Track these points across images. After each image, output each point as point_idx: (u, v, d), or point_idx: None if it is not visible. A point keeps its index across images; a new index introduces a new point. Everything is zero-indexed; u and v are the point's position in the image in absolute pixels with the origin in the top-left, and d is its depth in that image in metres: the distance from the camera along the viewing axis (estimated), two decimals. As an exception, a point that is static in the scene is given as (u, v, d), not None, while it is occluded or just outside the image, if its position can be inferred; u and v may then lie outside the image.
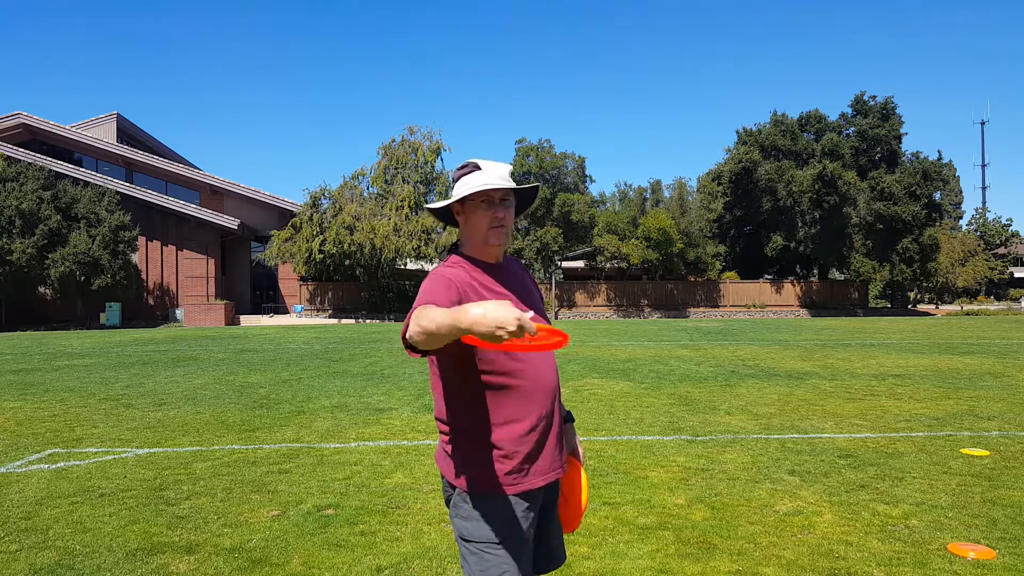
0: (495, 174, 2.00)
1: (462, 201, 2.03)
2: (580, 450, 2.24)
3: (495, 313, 1.49)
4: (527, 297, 2.08)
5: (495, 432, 1.93)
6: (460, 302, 1.83)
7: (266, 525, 4.28)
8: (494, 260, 2.07)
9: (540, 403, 1.97)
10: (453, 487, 2.00)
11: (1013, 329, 25.08)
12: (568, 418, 2.22)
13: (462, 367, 1.95)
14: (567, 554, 2.52)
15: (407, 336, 1.70)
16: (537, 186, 2.17)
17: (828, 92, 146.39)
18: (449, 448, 2.00)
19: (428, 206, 2.19)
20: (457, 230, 2.12)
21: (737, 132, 45.34)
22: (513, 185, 2.02)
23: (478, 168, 2.01)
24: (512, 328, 1.48)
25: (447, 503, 2.05)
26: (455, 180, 2.06)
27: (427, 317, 1.62)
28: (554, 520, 2.13)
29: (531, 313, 1.59)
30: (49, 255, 31.49)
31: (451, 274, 1.96)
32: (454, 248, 2.11)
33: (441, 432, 2.05)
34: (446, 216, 2.11)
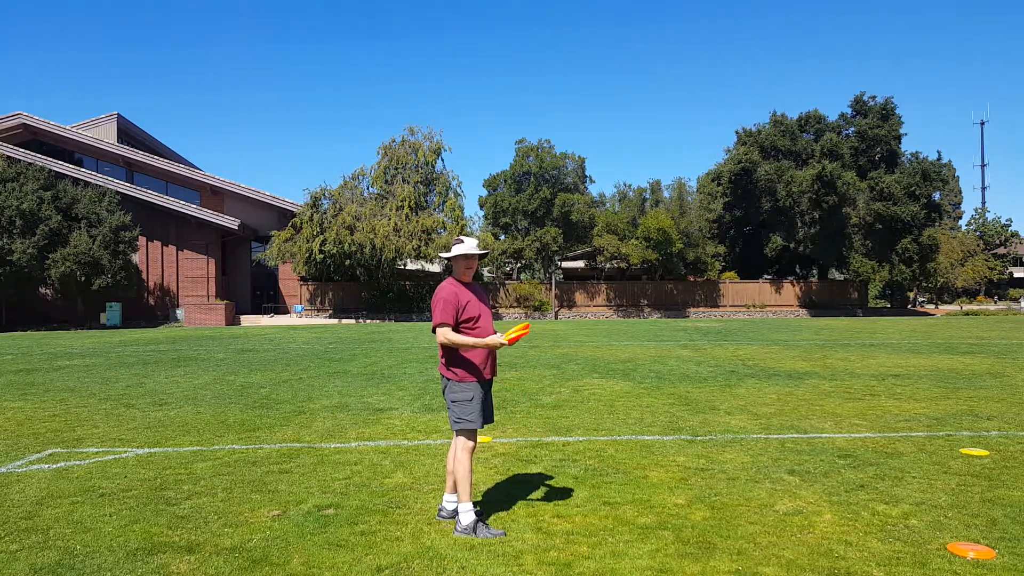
0: (471, 244, 4.35)
1: (456, 256, 4.33)
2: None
3: (497, 341, 4.17)
4: (483, 300, 4.38)
5: (473, 356, 4.24)
6: (456, 309, 4.19)
7: (266, 525, 4.29)
8: (467, 281, 4.35)
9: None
10: (448, 379, 4.25)
11: (1013, 329, 25.09)
12: None
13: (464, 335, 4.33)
14: (569, 553, 3.83)
15: (440, 341, 4.21)
16: (487, 252, 4.67)
17: (828, 92, 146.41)
18: (452, 363, 4.24)
19: (442, 255, 4.80)
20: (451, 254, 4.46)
21: (737, 132, 45.44)
22: (479, 252, 4.39)
23: (463, 241, 4.32)
24: (504, 343, 4.17)
25: (443, 390, 4.32)
26: (453, 244, 4.31)
27: (457, 340, 4.14)
28: (491, 398, 4.42)
29: (499, 336, 4.23)
30: (49, 255, 31.49)
31: (452, 291, 4.21)
32: (448, 272, 4.16)
33: (444, 356, 4.27)
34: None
